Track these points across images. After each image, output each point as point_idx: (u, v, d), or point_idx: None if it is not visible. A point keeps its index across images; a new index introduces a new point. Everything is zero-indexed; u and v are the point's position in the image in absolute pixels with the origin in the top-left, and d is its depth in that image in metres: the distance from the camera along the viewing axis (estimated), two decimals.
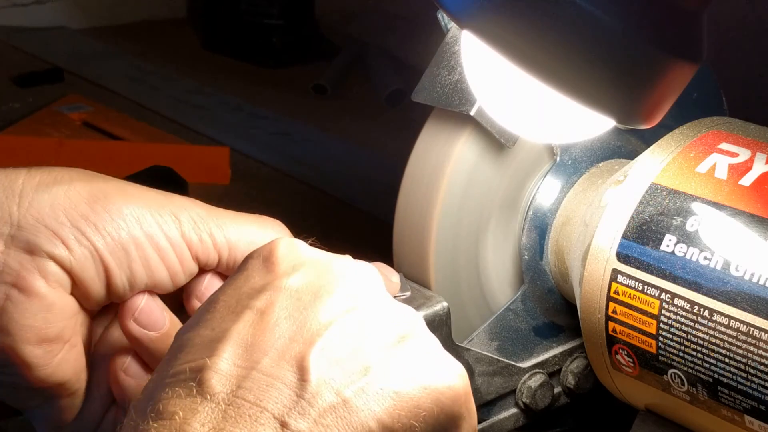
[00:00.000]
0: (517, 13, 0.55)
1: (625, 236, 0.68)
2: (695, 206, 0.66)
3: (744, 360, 0.62)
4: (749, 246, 0.63)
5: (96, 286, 0.62)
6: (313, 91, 1.64)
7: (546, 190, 0.76)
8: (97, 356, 0.65)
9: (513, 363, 0.74)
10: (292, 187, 1.34)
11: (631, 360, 0.68)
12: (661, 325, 0.66)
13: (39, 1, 1.91)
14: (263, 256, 0.59)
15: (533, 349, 0.76)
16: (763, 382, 0.62)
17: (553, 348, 0.77)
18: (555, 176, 0.76)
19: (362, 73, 1.70)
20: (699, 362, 0.65)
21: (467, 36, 0.64)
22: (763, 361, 0.62)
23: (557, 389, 0.76)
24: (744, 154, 0.67)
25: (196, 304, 0.64)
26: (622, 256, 0.67)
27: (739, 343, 0.62)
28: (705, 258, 0.64)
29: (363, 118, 1.56)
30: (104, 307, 0.65)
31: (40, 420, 0.65)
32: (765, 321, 0.61)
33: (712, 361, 0.64)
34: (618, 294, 0.67)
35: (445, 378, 0.57)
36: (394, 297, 0.65)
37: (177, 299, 0.66)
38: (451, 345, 0.70)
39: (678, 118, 0.72)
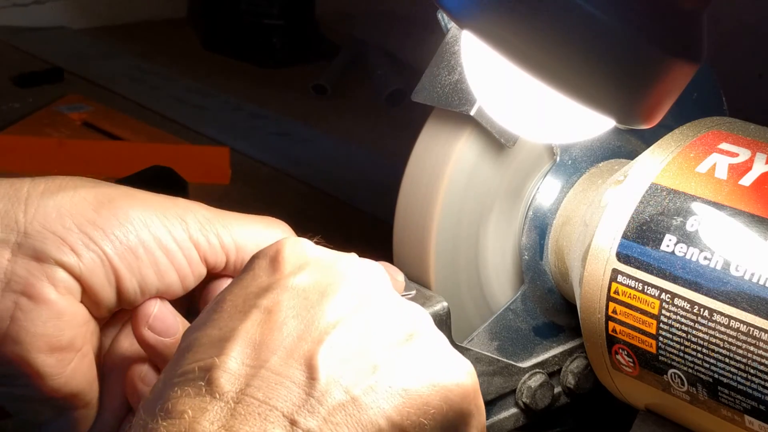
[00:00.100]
0: (517, 13, 0.55)
1: (625, 236, 0.68)
2: (695, 206, 0.66)
3: (744, 360, 0.62)
4: (749, 246, 0.63)
5: (106, 292, 0.61)
6: (313, 91, 1.64)
7: (546, 190, 0.76)
8: (107, 367, 0.64)
9: (513, 363, 0.74)
10: (292, 187, 1.34)
11: (631, 360, 0.68)
12: (661, 325, 0.66)
13: (39, 1, 1.91)
14: (270, 256, 0.59)
15: (533, 349, 0.76)
16: (763, 382, 0.62)
17: (553, 348, 0.77)
18: (555, 176, 0.76)
19: (362, 73, 1.70)
20: (699, 362, 0.65)
21: (467, 36, 0.64)
22: (763, 361, 0.62)
23: (557, 389, 0.76)
24: (744, 154, 0.67)
25: None
26: (622, 256, 0.67)
27: (739, 343, 0.62)
28: (705, 258, 0.64)
29: (363, 118, 1.56)
30: (111, 318, 0.65)
31: None
32: (765, 321, 0.61)
33: (712, 361, 0.64)
34: (618, 294, 0.67)
35: (454, 375, 0.57)
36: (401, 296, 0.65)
37: (185, 305, 0.66)
38: (451, 345, 0.70)
39: (678, 118, 0.72)
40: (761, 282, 0.62)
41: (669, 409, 0.70)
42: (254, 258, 0.60)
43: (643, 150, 0.71)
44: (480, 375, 0.72)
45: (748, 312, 0.62)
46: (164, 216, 0.63)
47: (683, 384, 0.66)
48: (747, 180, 0.66)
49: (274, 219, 0.67)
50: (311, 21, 1.81)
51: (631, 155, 0.76)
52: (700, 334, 0.64)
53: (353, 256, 0.61)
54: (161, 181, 1.18)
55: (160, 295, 0.63)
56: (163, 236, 0.62)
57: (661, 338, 0.66)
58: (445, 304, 0.70)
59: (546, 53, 0.55)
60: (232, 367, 0.53)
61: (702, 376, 0.65)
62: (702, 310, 0.64)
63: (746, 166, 0.66)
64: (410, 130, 0.76)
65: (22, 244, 0.60)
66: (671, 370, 0.66)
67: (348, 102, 1.64)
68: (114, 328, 0.65)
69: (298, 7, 1.81)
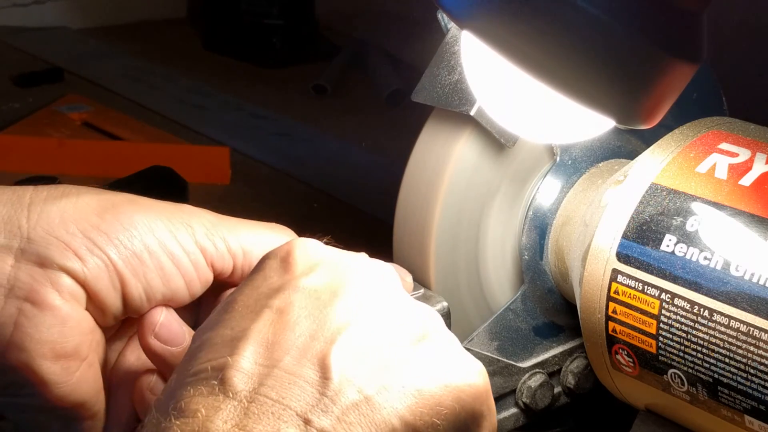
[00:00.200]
0: (517, 13, 0.55)
1: (625, 236, 0.68)
2: (695, 206, 0.66)
3: (744, 360, 0.62)
4: (749, 246, 0.63)
5: (111, 298, 0.61)
6: (313, 91, 1.64)
7: (546, 190, 0.76)
8: (114, 380, 0.64)
9: (513, 363, 0.74)
10: (292, 187, 1.34)
11: (631, 360, 0.68)
12: (661, 325, 0.66)
13: (39, 1, 1.91)
14: (280, 257, 0.59)
15: (533, 349, 0.76)
16: (763, 382, 0.62)
17: (553, 348, 0.77)
18: (555, 176, 0.76)
19: (362, 73, 1.70)
20: (699, 362, 0.65)
21: (467, 36, 0.64)
22: (763, 361, 0.62)
23: (557, 389, 0.76)
24: (744, 154, 0.67)
25: None
26: (622, 256, 0.67)
27: (739, 343, 0.62)
28: (705, 258, 0.64)
29: (363, 118, 1.56)
30: (116, 332, 0.64)
31: None
32: (765, 321, 0.61)
33: (712, 361, 0.64)
34: (618, 294, 0.67)
35: (466, 376, 0.57)
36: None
37: (192, 316, 0.65)
38: None
39: (678, 118, 0.72)
40: (761, 282, 0.62)
41: (669, 409, 0.70)
42: (265, 258, 0.60)
43: (643, 150, 0.71)
44: None
45: (748, 312, 0.62)
46: (169, 221, 0.62)
47: (683, 384, 0.66)
48: (747, 180, 0.66)
49: (280, 225, 0.66)
50: (311, 21, 1.81)
51: (631, 155, 0.76)
52: (700, 334, 0.64)
53: (363, 256, 0.61)
54: (161, 181, 1.18)
55: (167, 302, 0.63)
56: (168, 241, 0.62)
57: (661, 338, 0.66)
58: (445, 304, 0.70)
59: (546, 53, 0.55)
60: (245, 366, 0.53)
61: (702, 376, 0.65)
62: (702, 310, 0.64)
63: (746, 166, 0.66)
64: (410, 130, 0.76)
65: (25, 249, 0.59)
66: (671, 370, 0.66)
67: (348, 102, 1.64)
68: (120, 341, 0.65)
69: (298, 7, 1.81)
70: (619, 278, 0.67)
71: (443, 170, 0.72)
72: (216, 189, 1.31)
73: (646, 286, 0.66)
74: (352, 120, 1.56)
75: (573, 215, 0.75)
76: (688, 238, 0.65)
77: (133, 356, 0.64)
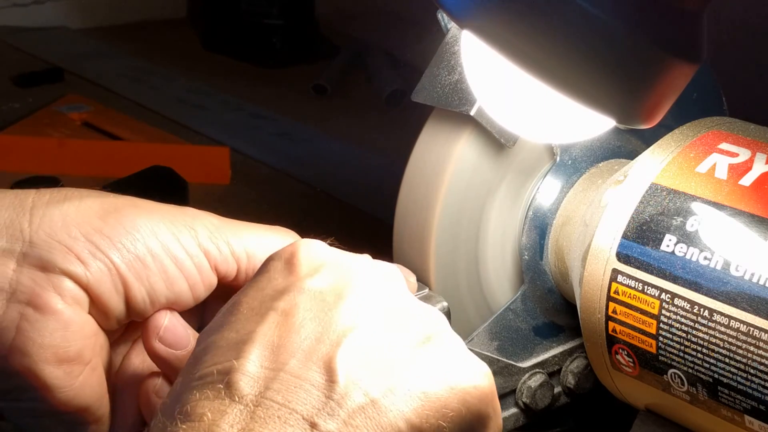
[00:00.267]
0: (517, 12, 0.55)
1: (625, 236, 0.68)
2: (695, 206, 0.66)
3: (744, 360, 0.62)
4: (749, 246, 0.63)
5: (114, 301, 0.61)
6: (313, 91, 1.64)
7: (546, 190, 0.76)
8: (119, 385, 0.64)
9: (513, 363, 0.74)
10: (292, 187, 1.34)
11: (631, 360, 0.68)
12: (661, 325, 0.66)
13: (39, 1, 1.91)
14: (285, 258, 0.59)
15: (533, 349, 0.76)
16: (763, 382, 0.62)
17: (553, 348, 0.77)
18: (555, 176, 0.76)
19: (362, 73, 1.70)
20: (699, 362, 0.65)
21: (467, 36, 0.64)
22: (763, 361, 0.62)
23: (557, 389, 0.76)
24: (744, 154, 0.67)
25: None
26: (622, 256, 0.67)
27: (739, 343, 0.62)
28: (705, 258, 0.64)
29: (363, 118, 1.56)
30: (120, 337, 0.64)
31: None
32: (765, 321, 0.61)
33: (712, 361, 0.64)
34: (618, 294, 0.67)
35: (472, 378, 0.57)
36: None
37: (197, 320, 0.65)
38: None
39: (678, 118, 0.72)
40: (761, 282, 0.62)
41: (669, 409, 0.70)
42: (269, 260, 0.59)
43: (643, 150, 0.71)
44: None
45: (748, 312, 0.62)
46: (172, 224, 0.62)
47: (683, 384, 0.66)
48: (747, 180, 0.66)
49: (283, 228, 0.66)
50: (311, 21, 1.81)
51: (631, 155, 0.76)
52: (700, 334, 0.64)
53: (367, 257, 0.61)
54: (161, 181, 1.18)
55: (171, 306, 0.62)
56: (171, 244, 0.61)
57: (661, 338, 0.66)
58: (445, 304, 0.70)
59: (546, 53, 0.55)
60: (250, 369, 0.53)
61: (702, 376, 0.65)
62: (702, 310, 0.64)
63: (746, 166, 0.66)
64: (410, 130, 0.76)
65: (27, 253, 0.59)
66: (671, 370, 0.66)
67: (348, 102, 1.64)
68: (125, 345, 0.65)
69: (298, 7, 1.81)
70: (619, 278, 0.67)
71: (443, 170, 0.72)
72: (216, 189, 1.31)
73: (646, 286, 0.66)
74: (352, 120, 1.56)
75: (573, 215, 0.75)
76: (688, 238, 0.65)
77: (138, 359, 0.64)
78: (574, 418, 0.79)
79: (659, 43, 0.56)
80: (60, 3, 1.93)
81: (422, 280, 0.73)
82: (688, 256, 0.65)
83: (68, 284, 0.59)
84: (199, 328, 0.63)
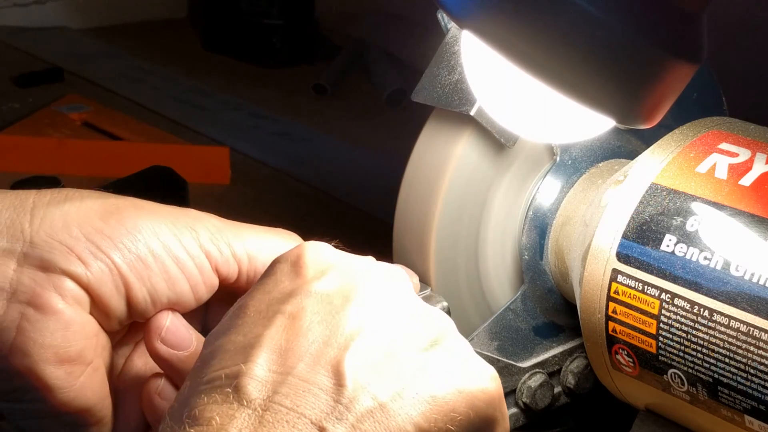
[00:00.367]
0: (517, 13, 0.55)
1: (625, 236, 0.68)
2: (695, 206, 0.66)
3: (744, 360, 0.62)
4: (749, 246, 0.63)
5: (116, 302, 0.60)
6: (313, 91, 1.64)
7: (546, 190, 0.76)
8: (121, 386, 0.64)
9: (513, 363, 0.74)
10: (292, 188, 1.34)
11: (631, 360, 0.68)
12: (661, 325, 0.66)
13: (39, 1, 1.91)
14: (291, 260, 0.59)
15: (533, 349, 0.76)
16: (763, 382, 0.62)
17: (553, 348, 0.77)
18: (555, 176, 0.76)
19: (362, 73, 1.70)
20: (699, 362, 0.65)
21: (467, 36, 0.64)
22: (763, 361, 0.62)
23: (557, 389, 0.76)
24: (744, 154, 0.67)
25: None
26: (622, 256, 0.67)
27: (739, 343, 0.62)
28: (705, 258, 0.64)
29: (363, 118, 1.56)
30: (123, 338, 0.64)
31: None
32: (765, 321, 0.61)
33: (712, 361, 0.64)
34: (618, 294, 0.67)
35: (479, 381, 0.56)
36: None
37: (199, 321, 0.65)
38: None
39: (678, 118, 0.72)
40: (761, 282, 0.62)
41: (669, 409, 0.70)
42: (275, 262, 0.59)
43: (643, 150, 0.71)
44: None
45: (748, 312, 0.62)
46: (174, 225, 0.62)
47: (683, 384, 0.66)
48: (747, 180, 0.66)
49: (285, 231, 0.66)
50: (311, 21, 1.81)
51: (631, 155, 0.76)
52: (700, 334, 0.64)
53: (371, 259, 0.61)
54: (161, 181, 1.18)
55: (172, 307, 0.62)
56: (173, 245, 0.61)
57: (661, 338, 0.66)
58: (445, 303, 0.70)
59: (546, 53, 0.55)
60: (258, 373, 0.53)
61: (702, 376, 0.65)
62: (702, 310, 0.64)
63: (746, 166, 0.66)
64: (410, 130, 0.76)
65: (28, 253, 0.59)
66: (671, 370, 0.66)
67: (348, 102, 1.63)
68: (127, 346, 0.65)
69: (298, 7, 1.81)
70: (619, 278, 0.67)
71: (443, 170, 0.72)
72: (216, 189, 1.31)
73: (646, 286, 0.66)
74: (352, 120, 1.56)
75: (573, 215, 0.75)
76: (688, 238, 0.65)
77: (141, 361, 0.64)
78: (574, 418, 0.79)
79: (659, 43, 0.56)
80: (60, 3, 1.93)
81: (422, 280, 0.73)
82: (688, 256, 0.65)
83: (69, 284, 0.59)
84: (201, 330, 0.63)
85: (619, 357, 0.69)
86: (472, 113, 0.70)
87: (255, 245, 0.64)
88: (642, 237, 0.67)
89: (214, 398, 0.52)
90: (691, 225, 0.65)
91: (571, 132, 0.67)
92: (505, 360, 0.74)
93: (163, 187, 1.17)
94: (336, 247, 0.61)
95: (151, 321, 0.62)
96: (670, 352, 0.66)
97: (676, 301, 0.65)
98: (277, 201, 1.29)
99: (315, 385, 0.53)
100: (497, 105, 0.68)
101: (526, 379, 0.75)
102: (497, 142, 0.72)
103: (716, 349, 0.64)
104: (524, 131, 0.70)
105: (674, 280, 0.65)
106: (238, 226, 0.64)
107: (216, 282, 0.63)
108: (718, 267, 0.64)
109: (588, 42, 0.55)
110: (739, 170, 0.66)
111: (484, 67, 0.65)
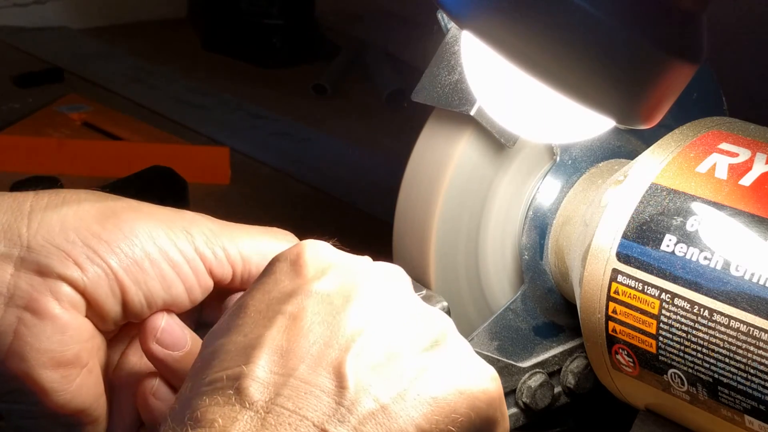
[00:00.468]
0: (517, 13, 0.55)
1: (625, 236, 0.68)
2: (695, 206, 0.66)
3: (744, 360, 0.62)
4: (749, 246, 0.63)
5: (111, 305, 0.61)
6: (313, 91, 1.64)
7: (546, 190, 0.76)
8: (115, 383, 0.64)
9: (513, 363, 0.74)
10: (292, 188, 1.34)
11: (631, 360, 0.68)
12: (661, 325, 0.66)
13: (39, 1, 1.90)
14: (290, 260, 0.58)
15: (533, 349, 0.76)
16: (763, 382, 0.62)
17: (553, 348, 0.77)
18: (555, 176, 0.76)
19: (362, 73, 1.70)
20: (699, 362, 0.65)
21: (467, 36, 0.64)
22: (763, 361, 0.62)
23: (557, 389, 0.76)
24: (744, 154, 0.67)
25: None
26: (622, 256, 0.67)
27: (739, 343, 0.62)
28: (705, 258, 0.64)
29: (363, 118, 1.56)
30: (118, 334, 0.64)
31: None
32: (765, 321, 0.61)
33: (712, 361, 0.64)
34: (618, 294, 0.67)
35: (480, 382, 0.56)
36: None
37: (194, 320, 0.65)
38: None
39: (678, 118, 0.72)
40: (761, 282, 0.62)
41: (669, 409, 0.70)
42: (275, 261, 0.59)
43: (643, 150, 0.71)
44: None
45: (748, 312, 0.62)
46: (170, 229, 0.62)
47: (683, 384, 0.66)
48: (747, 180, 0.66)
49: (280, 230, 0.66)
50: (311, 21, 1.81)
51: (631, 155, 0.76)
52: (700, 334, 0.64)
53: (367, 259, 0.61)
54: (161, 181, 1.18)
55: (167, 308, 0.62)
56: (169, 249, 0.62)
57: (661, 338, 0.66)
58: (445, 303, 0.70)
59: (546, 54, 0.55)
60: (260, 375, 0.53)
61: (702, 376, 0.65)
62: (702, 310, 0.64)
63: (746, 166, 0.66)
64: (410, 130, 0.76)
65: (25, 258, 0.59)
66: (671, 370, 0.66)
67: (348, 102, 1.63)
68: (122, 343, 0.64)
69: (298, 7, 1.81)
70: (619, 278, 0.67)
71: (443, 170, 0.72)
72: (216, 189, 1.31)
73: (646, 286, 0.66)
74: (352, 120, 1.56)
75: (573, 215, 0.75)
76: (688, 238, 0.65)
77: (135, 357, 0.64)
78: (574, 418, 0.79)
79: (659, 43, 0.56)
80: (60, 3, 1.93)
81: (422, 280, 0.73)
82: (688, 256, 0.65)
83: (65, 289, 0.59)
84: (195, 328, 0.64)
85: (619, 357, 0.69)
86: (472, 113, 0.70)
87: (249, 247, 0.64)
88: (642, 237, 0.67)
89: (216, 400, 0.52)
90: (691, 225, 0.65)
91: (571, 132, 0.67)
92: (505, 360, 0.74)
93: (163, 187, 1.17)
94: (334, 245, 0.61)
95: (146, 322, 0.62)
96: (670, 352, 0.66)
97: (676, 301, 0.65)
98: (277, 201, 1.29)
99: (317, 386, 0.53)
100: (497, 105, 0.68)
101: (526, 379, 0.75)
102: (497, 142, 0.72)
103: (716, 349, 0.64)
104: (524, 131, 0.70)
105: (674, 280, 0.65)
106: (233, 228, 0.64)
107: (211, 284, 0.63)
108: (718, 267, 0.64)
109: (588, 42, 0.55)
110: (739, 170, 0.66)
111: (484, 67, 0.65)
